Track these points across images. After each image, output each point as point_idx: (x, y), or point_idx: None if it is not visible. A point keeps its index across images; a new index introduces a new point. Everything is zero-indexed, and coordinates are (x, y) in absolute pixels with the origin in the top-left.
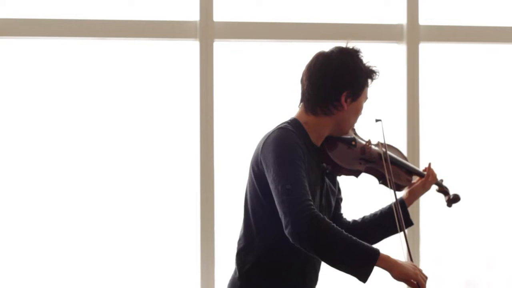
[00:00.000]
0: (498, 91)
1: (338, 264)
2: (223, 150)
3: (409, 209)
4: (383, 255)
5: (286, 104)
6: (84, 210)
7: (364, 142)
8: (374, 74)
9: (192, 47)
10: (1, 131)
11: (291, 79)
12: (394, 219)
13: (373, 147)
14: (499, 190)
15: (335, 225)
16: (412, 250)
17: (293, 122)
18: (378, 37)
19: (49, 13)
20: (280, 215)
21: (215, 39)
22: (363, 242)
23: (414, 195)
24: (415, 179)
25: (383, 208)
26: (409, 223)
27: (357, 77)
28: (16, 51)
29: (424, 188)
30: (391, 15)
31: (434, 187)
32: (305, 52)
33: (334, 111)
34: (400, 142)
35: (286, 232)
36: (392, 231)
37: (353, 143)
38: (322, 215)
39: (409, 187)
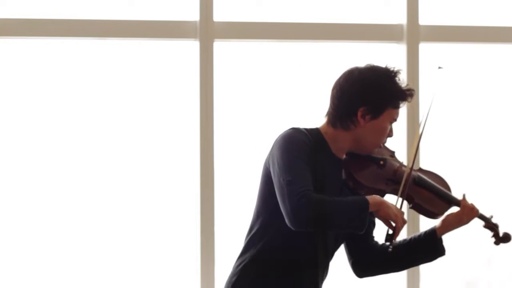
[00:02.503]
0: (498, 91)
1: (338, 228)
2: (223, 150)
3: (410, 209)
4: (371, 199)
5: (286, 104)
6: (83, 210)
7: (397, 164)
8: (404, 96)
9: (192, 47)
10: (1, 131)
11: (291, 79)
12: (424, 247)
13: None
14: (499, 190)
15: (323, 196)
16: None
17: (312, 130)
18: (378, 37)
19: (49, 13)
20: (281, 207)
21: (215, 39)
22: (348, 198)
23: (447, 227)
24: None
25: (415, 235)
26: (439, 252)
27: (378, 95)
28: (16, 51)
29: (460, 222)
30: (391, 15)
31: (481, 222)
32: (305, 52)
33: (351, 126)
34: (400, 142)
35: (287, 223)
36: (420, 259)
37: (382, 162)
38: (311, 193)
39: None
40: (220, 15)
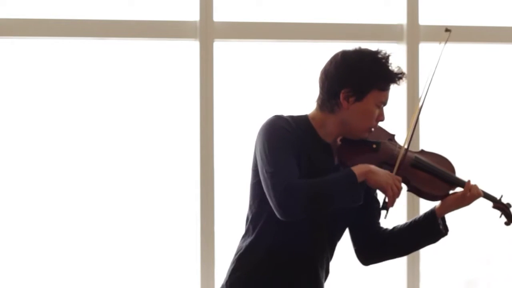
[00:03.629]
0: (498, 91)
1: (331, 206)
2: (223, 150)
3: (408, 209)
4: (357, 170)
5: (286, 104)
6: (83, 210)
7: (394, 148)
8: (390, 78)
9: (192, 47)
10: (1, 131)
11: (291, 79)
12: (425, 229)
13: (408, 154)
14: (499, 189)
15: (308, 180)
16: None
17: (299, 117)
18: (378, 37)
19: (49, 13)
20: (269, 201)
21: (215, 39)
22: (334, 174)
23: (446, 208)
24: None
25: (415, 217)
26: (440, 233)
27: (361, 76)
28: (16, 51)
29: (461, 203)
30: (391, 15)
31: (490, 203)
32: (305, 52)
33: (336, 109)
34: (400, 142)
35: (278, 216)
36: (423, 241)
37: (374, 146)
38: (294, 181)
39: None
40: (220, 15)
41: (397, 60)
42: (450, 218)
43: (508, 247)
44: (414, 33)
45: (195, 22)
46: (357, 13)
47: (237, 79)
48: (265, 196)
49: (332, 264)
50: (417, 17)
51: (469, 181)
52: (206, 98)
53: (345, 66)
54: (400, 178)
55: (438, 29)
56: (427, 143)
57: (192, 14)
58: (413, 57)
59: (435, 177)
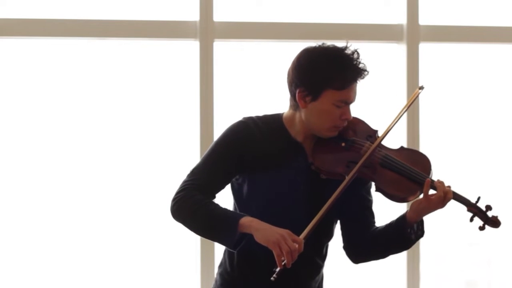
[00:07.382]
0: (498, 91)
1: (203, 235)
2: None
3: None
4: (245, 220)
5: (286, 104)
6: (83, 210)
7: (364, 147)
8: (344, 77)
9: (192, 47)
10: (1, 131)
11: None
12: (397, 235)
13: (377, 152)
14: (499, 189)
15: (203, 200)
16: (412, 251)
17: (272, 115)
18: (378, 37)
19: (49, 13)
20: None
21: (215, 39)
22: (228, 210)
23: (416, 212)
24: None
25: (390, 222)
26: (414, 239)
27: (312, 76)
28: (16, 51)
29: (429, 206)
30: (391, 15)
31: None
32: None
33: (298, 108)
34: (400, 142)
35: None
36: (398, 246)
37: (343, 144)
38: (193, 191)
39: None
40: (220, 15)
41: (397, 60)
42: (450, 218)
43: (509, 248)
44: (414, 33)
45: (195, 22)
46: (357, 13)
47: (237, 79)
48: (237, 198)
49: (332, 264)
50: (417, 17)
51: (428, 180)
52: (206, 98)
53: (299, 65)
54: (299, 240)
55: (438, 29)
56: (427, 143)
57: (192, 14)
58: (413, 57)
59: (403, 177)
